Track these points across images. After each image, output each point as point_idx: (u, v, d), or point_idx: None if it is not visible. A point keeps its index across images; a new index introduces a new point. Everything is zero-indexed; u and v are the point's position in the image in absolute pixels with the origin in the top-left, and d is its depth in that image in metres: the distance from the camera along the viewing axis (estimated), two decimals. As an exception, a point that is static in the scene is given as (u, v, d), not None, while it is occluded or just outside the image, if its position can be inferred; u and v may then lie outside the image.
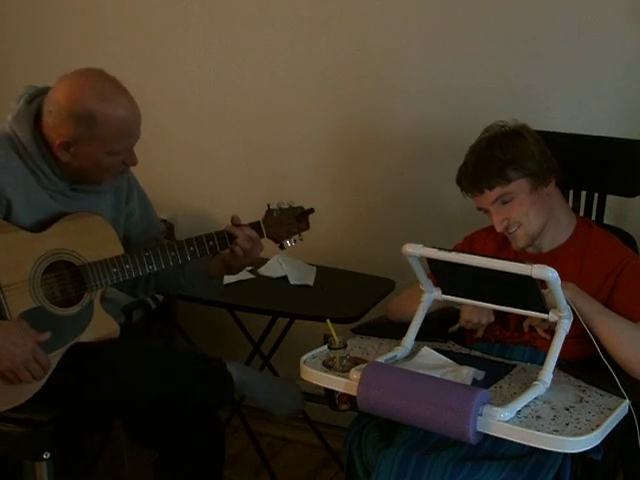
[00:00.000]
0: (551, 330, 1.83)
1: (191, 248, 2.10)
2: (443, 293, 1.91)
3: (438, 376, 1.76)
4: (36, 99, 2.01)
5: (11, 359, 1.86)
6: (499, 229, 1.99)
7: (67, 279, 2.01)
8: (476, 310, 1.98)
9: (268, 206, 2.20)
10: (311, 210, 2.23)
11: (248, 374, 2.23)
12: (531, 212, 1.97)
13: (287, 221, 2.20)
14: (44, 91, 2.01)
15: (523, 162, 1.96)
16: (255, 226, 2.17)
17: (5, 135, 2.00)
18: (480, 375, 1.82)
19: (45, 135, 1.98)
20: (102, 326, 2.04)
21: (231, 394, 2.21)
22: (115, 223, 2.13)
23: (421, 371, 1.78)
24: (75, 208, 2.05)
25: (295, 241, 2.22)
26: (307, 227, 2.23)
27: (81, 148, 1.97)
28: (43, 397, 1.95)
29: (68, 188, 2.06)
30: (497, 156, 1.96)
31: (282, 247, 2.21)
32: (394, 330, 2.03)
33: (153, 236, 2.27)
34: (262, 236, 2.17)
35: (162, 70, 3.13)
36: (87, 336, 2.01)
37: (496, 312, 1.98)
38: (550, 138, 2.08)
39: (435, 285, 1.93)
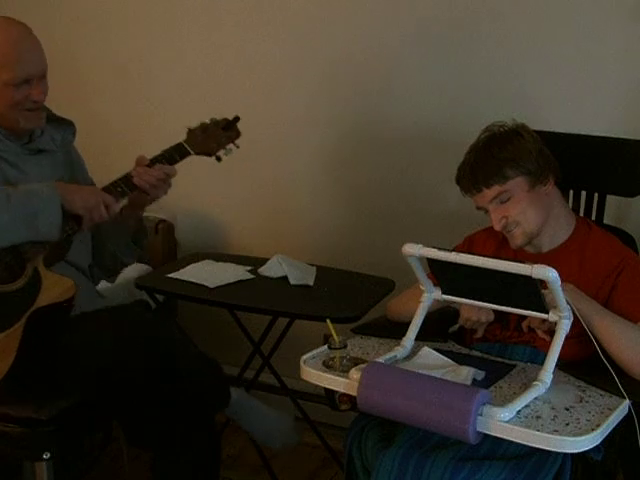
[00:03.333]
0: (551, 331, 1.83)
1: None
2: (443, 293, 1.91)
3: (438, 376, 1.76)
4: None
5: (85, 203, 2.00)
6: (497, 227, 2.00)
7: (5, 255, 2.00)
8: (475, 308, 1.98)
9: (188, 128, 2.21)
10: (237, 118, 2.22)
11: (246, 399, 2.24)
12: (529, 210, 1.98)
13: (213, 134, 2.21)
14: None
15: (521, 161, 1.96)
16: (178, 148, 2.18)
17: None
18: (480, 375, 1.82)
19: None
20: (55, 287, 2.04)
21: (227, 394, 2.21)
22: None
23: (421, 371, 1.78)
24: (32, 172, 2.08)
25: (231, 150, 2.23)
26: (238, 134, 2.24)
27: None
28: (27, 374, 1.97)
29: (20, 149, 2.09)
30: (495, 155, 1.97)
31: (218, 159, 2.24)
32: (394, 330, 2.03)
33: None
34: (189, 154, 2.19)
35: (164, 71, 3.13)
36: (43, 300, 2.01)
37: (496, 312, 1.98)
38: (550, 138, 2.08)
39: (435, 285, 1.93)
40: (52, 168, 2.18)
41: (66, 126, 2.27)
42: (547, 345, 1.79)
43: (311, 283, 2.63)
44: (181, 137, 2.21)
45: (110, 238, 2.29)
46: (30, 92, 2.04)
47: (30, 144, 2.13)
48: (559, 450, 1.62)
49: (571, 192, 2.25)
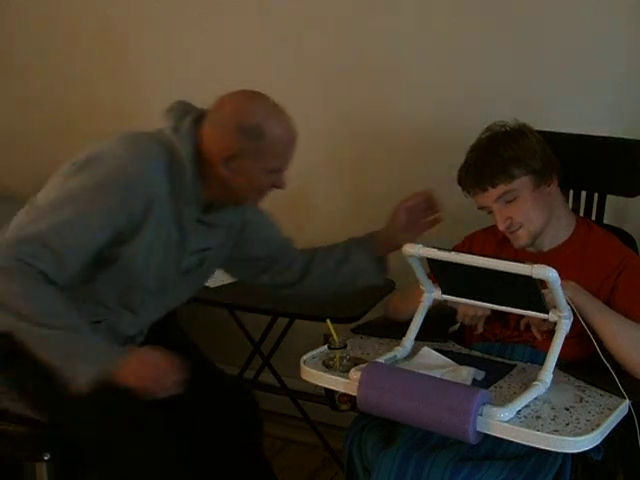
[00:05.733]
0: (549, 330, 1.83)
1: None
2: (443, 293, 1.91)
3: (438, 376, 1.76)
4: (202, 119, 1.99)
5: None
6: (501, 227, 1.99)
7: None
8: None
9: None
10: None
11: None
12: (533, 211, 1.97)
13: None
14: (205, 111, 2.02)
15: (526, 160, 1.96)
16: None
17: (164, 150, 1.93)
18: (480, 375, 1.82)
19: (204, 151, 1.93)
20: None
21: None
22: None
23: (421, 371, 1.78)
24: (192, 241, 2.01)
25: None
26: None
27: (243, 163, 1.92)
28: None
29: (195, 219, 1.99)
30: (500, 153, 1.95)
31: None
32: (394, 330, 2.03)
33: (277, 247, 2.28)
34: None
35: (165, 72, 3.13)
36: None
37: (496, 311, 1.98)
38: (550, 138, 2.08)
39: (435, 285, 1.93)
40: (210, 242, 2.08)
41: None
42: (547, 345, 1.79)
43: (311, 283, 2.63)
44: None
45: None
46: (277, 180, 1.98)
47: (206, 214, 2.02)
48: (559, 450, 1.63)
49: (571, 192, 2.25)
